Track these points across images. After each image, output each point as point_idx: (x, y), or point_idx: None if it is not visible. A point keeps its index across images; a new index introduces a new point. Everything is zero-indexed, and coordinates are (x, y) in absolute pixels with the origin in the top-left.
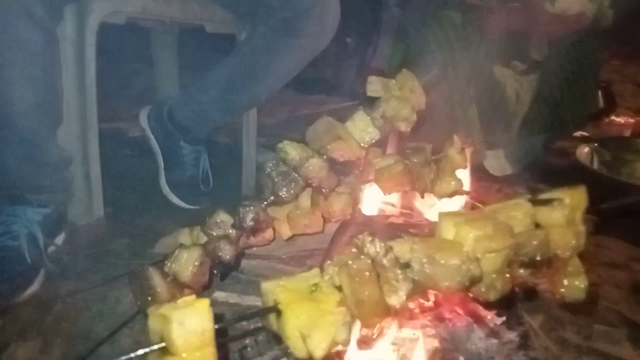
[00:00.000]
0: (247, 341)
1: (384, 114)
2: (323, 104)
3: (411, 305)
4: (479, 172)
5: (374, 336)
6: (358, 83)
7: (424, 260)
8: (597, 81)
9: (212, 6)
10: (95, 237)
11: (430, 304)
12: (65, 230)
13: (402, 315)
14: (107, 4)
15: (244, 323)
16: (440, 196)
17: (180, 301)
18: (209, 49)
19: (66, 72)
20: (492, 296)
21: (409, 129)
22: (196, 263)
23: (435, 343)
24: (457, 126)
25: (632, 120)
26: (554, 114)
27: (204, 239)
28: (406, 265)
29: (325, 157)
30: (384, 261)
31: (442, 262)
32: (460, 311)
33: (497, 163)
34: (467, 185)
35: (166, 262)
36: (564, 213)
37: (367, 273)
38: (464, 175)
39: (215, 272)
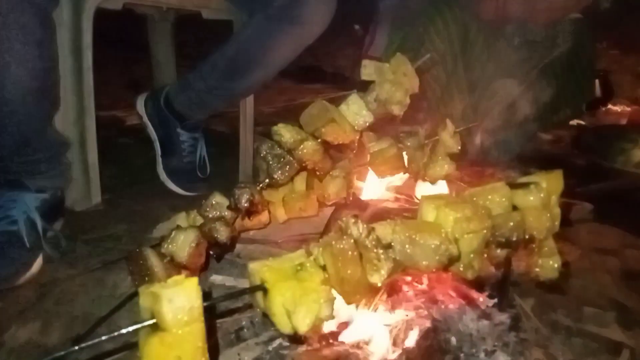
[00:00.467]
0: (244, 322)
1: (378, 98)
2: (321, 92)
3: (405, 287)
4: (474, 157)
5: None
6: (356, 72)
7: (405, 240)
8: (593, 70)
9: None
10: (93, 223)
11: (423, 286)
12: (63, 216)
13: (395, 297)
14: None
15: (241, 305)
16: (433, 179)
17: (170, 280)
18: (206, 36)
19: (63, 57)
20: (470, 275)
21: (402, 113)
22: (192, 244)
23: (428, 324)
24: (454, 113)
25: (628, 109)
26: (550, 102)
27: (200, 222)
28: (388, 246)
29: (319, 140)
30: (366, 242)
31: (422, 242)
32: (452, 293)
33: (493, 150)
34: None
35: (163, 243)
36: (540, 196)
37: (349, 253)
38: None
39: (211, 253)
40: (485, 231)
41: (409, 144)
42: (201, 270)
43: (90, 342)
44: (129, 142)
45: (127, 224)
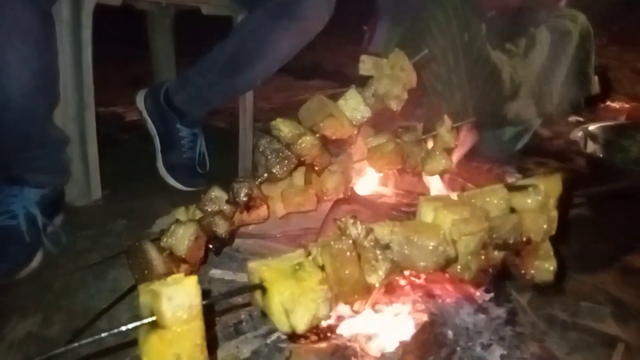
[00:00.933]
0: (242, 316)
1: (376, 93)
2: (320, 89)
3: (402, 282)
4: (472, 153)
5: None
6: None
7: (403, 241)
8: (591, 66)
9: None
10: (93, 218)
11: (421, 281)
12: (63, 211)
13: (393, 291)
14: None
15: (240, 299)
16: (431, 174)
17: (170, 278)
18: (206, 32)
19: (62, 53)
20: (467, 276)
21: (399, 108)
22: (191, 238)
23: (425, 317)
24: (454, 108)
25: (627, 106)
26: (548, 98)
27: (199, 216)
28: (386, 247)
29: (318, 135)
30: (365, 242)
31: (420, 243)
32: (449, 288)
33: (492, 146)
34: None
35: (162, 237)
36: (538, 199)
37: (348, 253)
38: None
39: (210, 246)
40: (482, 233)
41: (406, 139)
42: (200, 264)
43: (90, 339)
44: (128, 138)
45: (126, 219)
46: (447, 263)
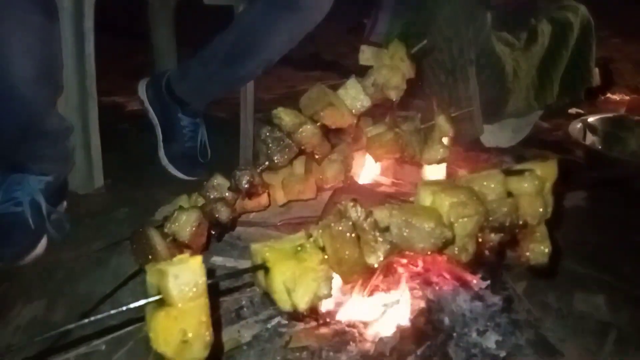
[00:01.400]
0: (243, 302)
1: (375, 82)
2: (320, 80)
3: (400, 270)
4: (473, 144)
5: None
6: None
7: (402, 224)
8: (592, 58)
9: None
10: (95, 206)
11: (418, 269)
12: (66, 199)
13: (391, 278)
14: None
15: (241, 285)
16: (429, 163)
17: (176, 258)
18: (207, 22)
19: (65, 43)
20: (464, 257)
21: (399, 97)
22: (194, 224)
23: (422, 304)
24: (458, 100)
25: (627, 98)
26: (549, 90)
27: (202, 203)
28: (385, 229)
29: (318, 124)
30: (364, 225)
31: (418, 225)
32: (446, 276)
33: (493, 137)
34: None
35: (166, 223)
36: (534, 183)
37: (348, 235)
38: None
39: (212, 232)
40: (479, 216)
41: (405, 128)
42: (202, 250)
43: (99, 316)
44: (130, 128)
45: (128, 207)
46: (445, 245)
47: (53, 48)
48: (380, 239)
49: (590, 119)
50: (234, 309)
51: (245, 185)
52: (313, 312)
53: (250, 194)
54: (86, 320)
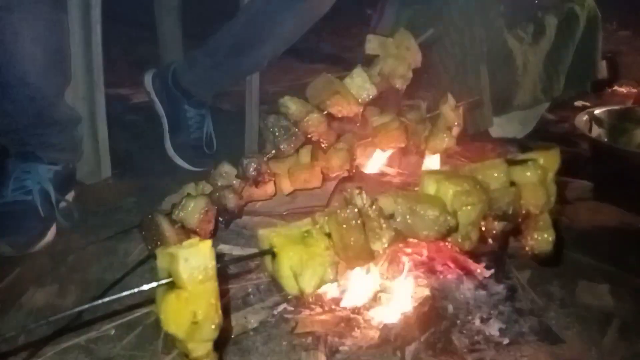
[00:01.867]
0: (250, 289)
1: (381, 71)
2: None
3: (405, 259)
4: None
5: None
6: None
7: (406, 211)
8: (598, 50)
9: None
10: (103, 195)
11: (423, 258)
12: (75, 189)
13: (396, 267)
14: None
15: (247, 273)
16: (434, 152)
17: (186, 242)
18: (213, 12)
19: (73, 33)
20: (467, 245)
21: (404, 86)
22: (202, 211)
23: (426, 292)
24: (468, 91)
25: (634, 91)
26: (556, 83)
27: (209, 191)
28: (390, 216)
29: (324, 112)
30: (370, 212)
31: (422, 213)
32: (451, 265)
33: (501, 130)
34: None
35: (174, 210)
36: (537, 172)
37: (353, 221)
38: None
39: (220, 219)
40: (482, 204)
41: (410, 117)
42: (210, 237)
43: (112, 297)
44: (136, 119)
45: (136, 197)
46: (448, 232)
47: (62, 38)
48: (385, 226)
49: (597, 111)
50: (240, 295)
51: (252, 172)
52: (318, 299)
53: (257, 181)
54: (100, 302)
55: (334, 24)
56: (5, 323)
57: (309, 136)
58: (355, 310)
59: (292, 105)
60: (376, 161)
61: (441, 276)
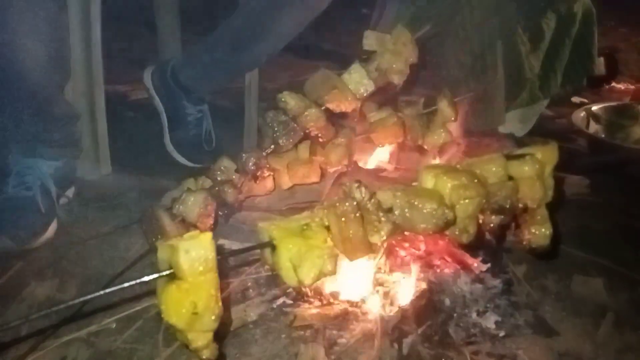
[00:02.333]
0: (249, 283)
1: (379, 67)
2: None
3: (402, 253)
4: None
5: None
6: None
7: (405, 205)
8: (594, 47)
9: None
10: (103, 191)
11: (420, 252)
12: (75, 185)
13: (393, 261)
14: None
15: (246, 267)
16: (431, 147)
17: (186, 234)
18: (212, 9)
19: (72, 29)
20: (465, 239)
21: (401, 82)
22: (202, 205)
23: (423, 285)
24: (485, 85)
25: (632, 87)
26: (553, 80)
27: (209, 185)
28: (389, 210)
29: (323, 107)
30: (368, 205)
31: (420, 206)
32: (448, 259)
33: (501, 128)
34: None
35: (174, 204)
36: (535, 167)
37: (352, 214)
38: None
39: (220, 213)
40: (480, 198)
41: (408, 113)
42: (210, 230)
43: (114, 288)
44: (135, 116)
45: (135, 193)
46: (446, 226)
47: (61, 34)
48: (383, 219)
49: (594, 108)
50: (240, 289)
51: (251, 167)
52: (317, 292)
53: (256, 176)
54: (102, 292)
55: (332, 20)
56: (7, 317)
57: (308, 131)
58: (353, 304)
59: (290, 100)
60: (374, 157)
61: (438, 270)
